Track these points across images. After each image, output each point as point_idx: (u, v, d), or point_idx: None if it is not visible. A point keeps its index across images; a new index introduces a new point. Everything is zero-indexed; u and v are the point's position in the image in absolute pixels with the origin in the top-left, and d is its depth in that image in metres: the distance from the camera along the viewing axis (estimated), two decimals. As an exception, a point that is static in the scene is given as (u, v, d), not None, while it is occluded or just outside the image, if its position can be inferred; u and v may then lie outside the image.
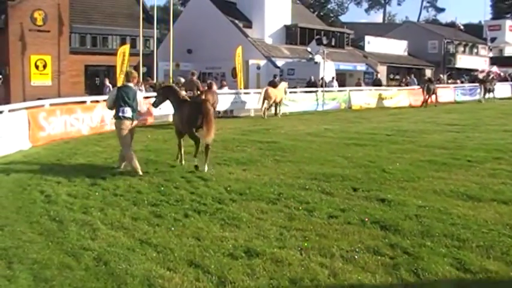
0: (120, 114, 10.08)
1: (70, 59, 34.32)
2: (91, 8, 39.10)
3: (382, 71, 45.84)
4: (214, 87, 20.43)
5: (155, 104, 11.63)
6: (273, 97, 23.74)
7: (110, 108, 10.51)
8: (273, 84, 24.88)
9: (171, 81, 22.00)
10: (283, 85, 25.11)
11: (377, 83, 34.78)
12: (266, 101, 23.61)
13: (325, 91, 28.96)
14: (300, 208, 7.49)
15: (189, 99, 11.42)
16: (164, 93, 11.43)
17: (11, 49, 32.08)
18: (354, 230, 6.46)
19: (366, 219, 6.86)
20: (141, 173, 9.90)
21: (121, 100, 10.06)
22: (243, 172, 10.22)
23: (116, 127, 10.40)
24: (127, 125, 10.10)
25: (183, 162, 10.95)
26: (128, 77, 10.47)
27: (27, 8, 32.49)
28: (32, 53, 32.50)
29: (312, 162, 11.33)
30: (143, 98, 11.31)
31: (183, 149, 11.05)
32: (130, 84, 10.32)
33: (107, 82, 27.35)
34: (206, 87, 19.60)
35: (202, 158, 10.39)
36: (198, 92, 18.56)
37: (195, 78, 19.77)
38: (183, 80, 22.18)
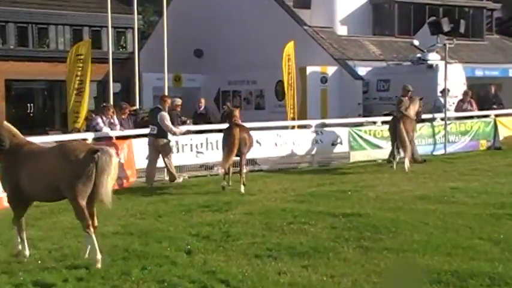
0: (150, 131, 20.56)
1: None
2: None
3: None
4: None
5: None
6: None
7: None
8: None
9: (166, 105, 22.09)
10: None
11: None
12: None
13: (450, 118, 28.81)
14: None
15: None
16: None
17: None
18: None
19: None
20: (180, 180, 20.84)
21: (152, 120, 20.89)
22: (303, 271, 10.20)
23: None
24: (151, 140, 20.43)
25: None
26: (160, 100, 21.50)
27: None
28: None
29: (429, 250, 11.25)
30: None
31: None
32: (160, 107, 20.90)
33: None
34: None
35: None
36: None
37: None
38: (180, 101, 22.54)
